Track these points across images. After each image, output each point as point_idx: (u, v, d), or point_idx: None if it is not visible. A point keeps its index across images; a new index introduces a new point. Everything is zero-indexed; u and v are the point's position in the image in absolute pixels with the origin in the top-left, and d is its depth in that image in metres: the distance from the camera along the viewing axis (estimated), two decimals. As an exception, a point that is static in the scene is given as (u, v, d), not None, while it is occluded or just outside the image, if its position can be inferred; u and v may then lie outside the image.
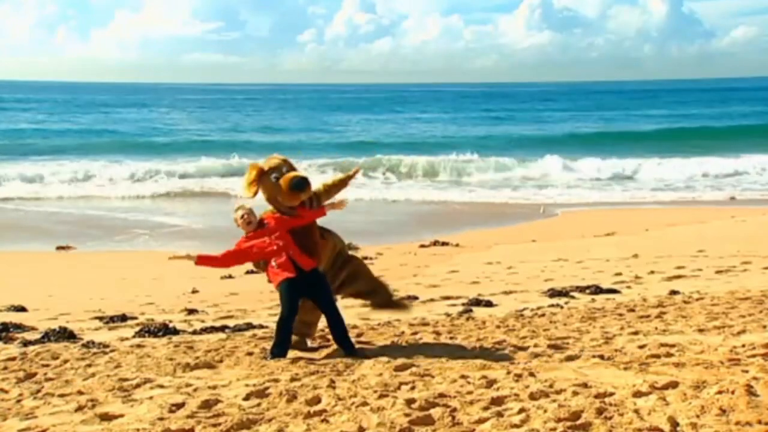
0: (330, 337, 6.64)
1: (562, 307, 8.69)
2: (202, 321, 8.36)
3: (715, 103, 73.44)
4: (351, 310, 9.02)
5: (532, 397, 4.92)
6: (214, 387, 5.50)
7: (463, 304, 9.01)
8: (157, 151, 36.27)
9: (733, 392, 4.68)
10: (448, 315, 8.43)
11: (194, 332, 7.58)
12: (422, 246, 15.02)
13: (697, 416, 4.37)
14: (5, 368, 6.20)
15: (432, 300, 9.58)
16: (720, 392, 4.72)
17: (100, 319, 8.47)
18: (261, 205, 6.51)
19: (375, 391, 5.15)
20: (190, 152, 34.77)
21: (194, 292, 10.64)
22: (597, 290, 9.68)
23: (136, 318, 8.54)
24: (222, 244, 6.65)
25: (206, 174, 28.86)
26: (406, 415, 4.59)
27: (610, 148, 34.99)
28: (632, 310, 8.24)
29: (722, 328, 6.96)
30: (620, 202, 23.26)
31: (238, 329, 7.68)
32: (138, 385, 5.56)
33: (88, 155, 33.39)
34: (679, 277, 10.81)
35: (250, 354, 6.43)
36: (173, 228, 18.71)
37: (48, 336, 7.35)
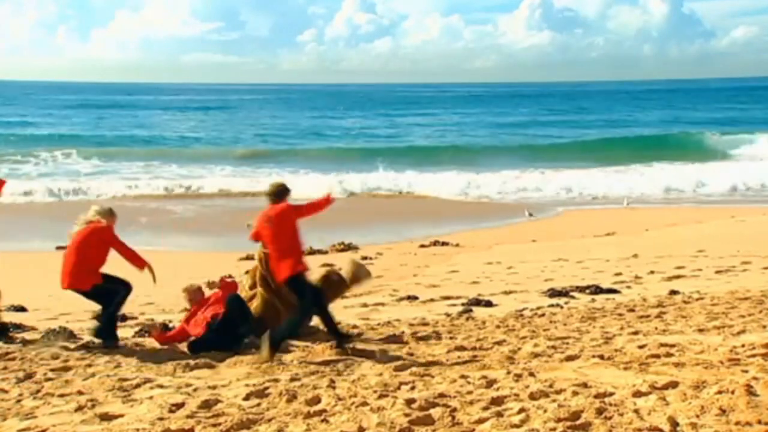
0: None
1: (562, 307, 8.69)
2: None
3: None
4: (351, 310, 9.03)
5: (532, 397, 4.92)
6: (214, 387, 5.50)
7: (463, 304, 9.01)
8: (157, 151, 36.25)
9: (733, 392, 4.68)
10: (448, 315, 8.43)
11: (194, 332, 7.57)
12: (422, 246, 15.02)
13: (697, 416, 4.37)
14: (5, 368, 6.20)
15: (432, 300, 9.58)
16: (720, 392, 4.72)
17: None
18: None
19: (375, 391, 5.15)
20: (189, 151, 34.81)
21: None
22: (597, 290, 9.68)
23: (136, 318, 8.55)
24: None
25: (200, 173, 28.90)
26: (406, 415, 4.59)
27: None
28: (632, 310, 8.24)
29: (722, 328, 6.96)
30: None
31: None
32: (138, 385, 5.56)
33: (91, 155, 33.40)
34: (679, 277, 10.81)
35: (249, 354, 6.43)
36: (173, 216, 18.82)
37: (48, 336, 7.35)
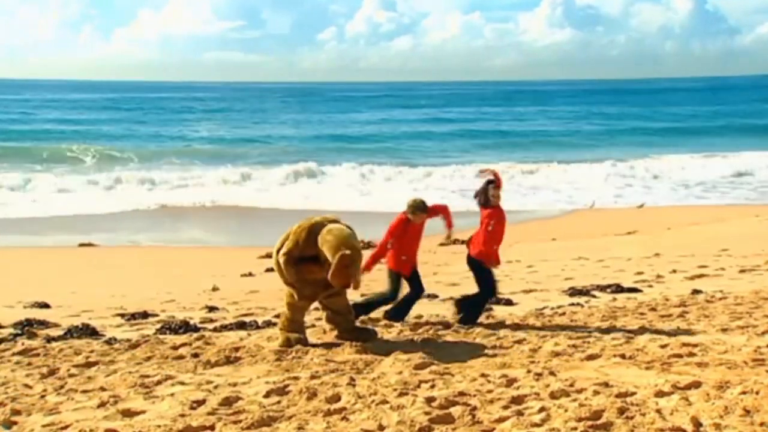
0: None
1: (582, 306, 8.64)
2: (223, 318, 8.40)
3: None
4: (370, 308, 9.02)
5: (553, 396, 4.90)
6: (235, 384, 5.52)
7: (483, 303, 8.96)
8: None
9: (757, 393, 4.62)
10: (467, 313, 8.38)
11: (215, 329, 7.62)
12: (442, 244, 14.95)
13: (721, 417, 4.32)
14: (29, 364, 6.27)
15: (452, 298, 9.55)
16: (744, 393, 4.67)
17: (122, 315, 8.53)
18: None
19: (395, 390, 5.15)
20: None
21: (215, 289, 10.69)
22: (618, 289, 9.61)
23: (157, 315, 8.60)
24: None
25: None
26: (426, 413, 4.59)
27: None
28: (654, 310, 8.18)
29: (746, 327, 6.89)
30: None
31: (258, 327, 7.71)
32: (159, 382, 5.60)
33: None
34: (701, 276, 10.70)
35: (270, 352, 6.46)
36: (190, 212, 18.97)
37: (71, 332, 7.43)
